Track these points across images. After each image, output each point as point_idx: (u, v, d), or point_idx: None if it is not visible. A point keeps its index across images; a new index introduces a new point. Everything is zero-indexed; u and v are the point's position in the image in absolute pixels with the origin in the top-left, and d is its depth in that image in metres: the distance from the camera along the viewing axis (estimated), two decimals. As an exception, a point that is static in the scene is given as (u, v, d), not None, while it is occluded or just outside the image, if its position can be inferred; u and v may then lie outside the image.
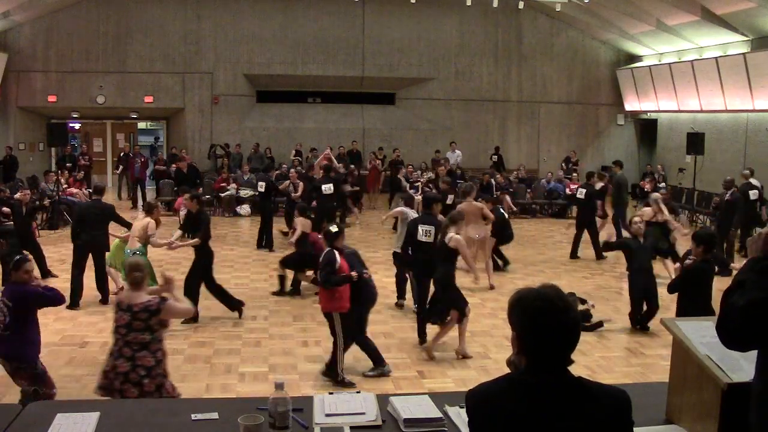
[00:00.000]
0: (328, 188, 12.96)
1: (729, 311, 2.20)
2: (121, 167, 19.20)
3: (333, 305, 6.50)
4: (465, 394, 1.99)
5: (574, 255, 12.62)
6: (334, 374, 6.55)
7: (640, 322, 8.37)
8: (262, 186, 13.78)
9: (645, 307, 8.36)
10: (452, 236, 7.32)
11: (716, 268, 6.60)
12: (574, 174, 19.11)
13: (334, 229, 6.71)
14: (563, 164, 20.55)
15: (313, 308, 9.14)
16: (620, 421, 1.94)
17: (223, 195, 17.30)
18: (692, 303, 6.04)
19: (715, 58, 17.46)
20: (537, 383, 1.90)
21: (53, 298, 5.36)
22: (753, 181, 13.30)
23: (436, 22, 21.78)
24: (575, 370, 1.93)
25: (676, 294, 6.36)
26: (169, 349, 7.14)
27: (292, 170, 14.73)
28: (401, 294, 9.51)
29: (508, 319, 2.00)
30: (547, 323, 1.90)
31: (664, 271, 10.17)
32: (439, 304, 7.37)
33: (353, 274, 6.47)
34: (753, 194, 12.87)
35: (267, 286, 10.28)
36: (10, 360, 5.26)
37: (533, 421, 1.87)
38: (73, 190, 16.48)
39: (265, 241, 13.14)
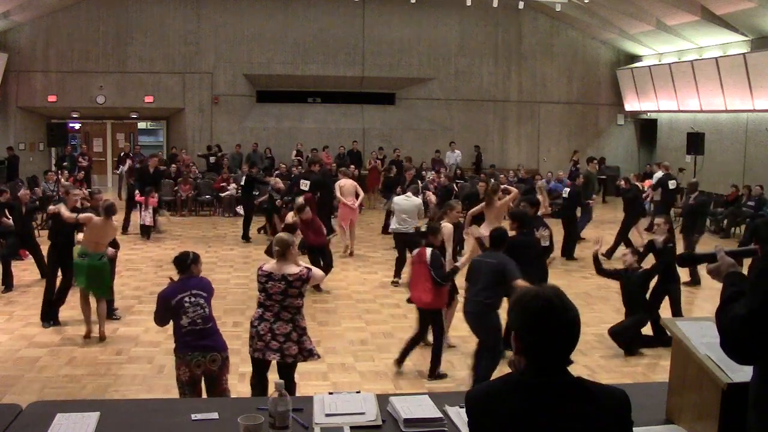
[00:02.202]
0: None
1: (731, 324, 2.13)
2: (121, 167, 19.20)
3: (441, 302, 6.77)
4: (465, 395, 2.00)
5: (564, 253, 12.73)
6: (434, 369, 6.73)
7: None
8: (243, 180, 14.46)
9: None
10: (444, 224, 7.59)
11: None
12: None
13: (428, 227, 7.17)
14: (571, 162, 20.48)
15: (313, 308, 9.14)
16: (620, 421, 1.94)
17: (222, 195, 17.31)
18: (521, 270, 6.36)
19: (715, 58, 17.46)
20: (537, 384, 1.90)
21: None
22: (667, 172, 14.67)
23: (436, 22, 21.78)
24: (575, 370, 1.93)
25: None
26: (168, 350, 7.17)
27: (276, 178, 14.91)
28: (398, 272, 10.03)
29: (508, 319, 2.00)
30: (547, 323, 1.90)
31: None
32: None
33: (457, 264, 6.90)
34: (672, 184, 14.24)
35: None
36: (221, 350, 5.12)
37: (533, 422, 1.87)
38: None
39: (242, 234, 13.65)
